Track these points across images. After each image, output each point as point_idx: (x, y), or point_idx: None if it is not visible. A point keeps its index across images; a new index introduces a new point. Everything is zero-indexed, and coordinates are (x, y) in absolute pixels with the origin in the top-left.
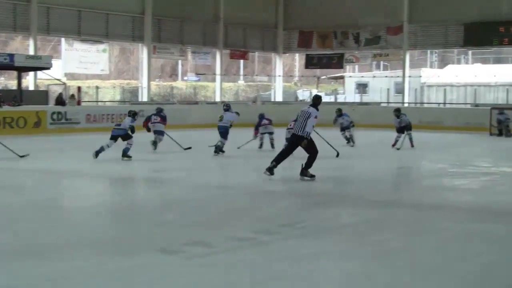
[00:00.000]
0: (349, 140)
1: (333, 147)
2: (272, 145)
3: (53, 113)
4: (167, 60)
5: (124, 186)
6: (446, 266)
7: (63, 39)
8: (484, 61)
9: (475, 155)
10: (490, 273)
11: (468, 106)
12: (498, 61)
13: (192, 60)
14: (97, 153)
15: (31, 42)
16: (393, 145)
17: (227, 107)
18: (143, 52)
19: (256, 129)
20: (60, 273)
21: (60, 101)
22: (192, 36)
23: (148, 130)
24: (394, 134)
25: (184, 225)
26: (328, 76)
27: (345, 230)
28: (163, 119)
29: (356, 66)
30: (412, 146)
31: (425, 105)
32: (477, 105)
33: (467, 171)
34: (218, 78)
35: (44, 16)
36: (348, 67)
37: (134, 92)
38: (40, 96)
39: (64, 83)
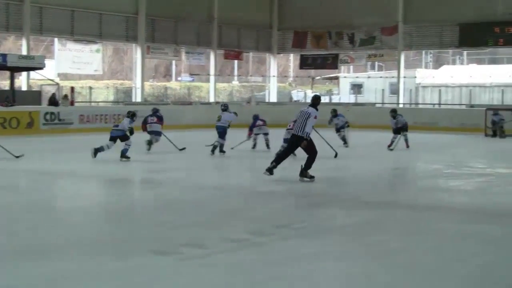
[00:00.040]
0: (346, 141)
1: (332, 148)
2: (268, 146)
3: (46, 113)
4: (161, 60)
5: (119, 187)
6: (443, 267)
7: (56, 39)
8: (479, 61)
9: (470, 156)
10: (486, 274)
11: (463, 107)
12: (493, 61)
13: (186, 61)
14: (95, 152)
15: (24, 42)
16: (389, 146)
17: (225, 107)
18: (136, 52)
19: (250, 130)
20: (57, 273)
21: (53, 101)
22: (186, 36)
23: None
24: (389, 134)
25: (179, 226)
26: (323, 76)
27: (342, 230)
28: (160, 119)
29: (351, 67)
30: (408, 147)
31: (420, 106)
32: (472, 106)
33: (463, 172)
34: (212, 78)
35: (37, 16)
36: (342, 67)
37: (128, 92)
38: (33, 96)
39: (57, 84)
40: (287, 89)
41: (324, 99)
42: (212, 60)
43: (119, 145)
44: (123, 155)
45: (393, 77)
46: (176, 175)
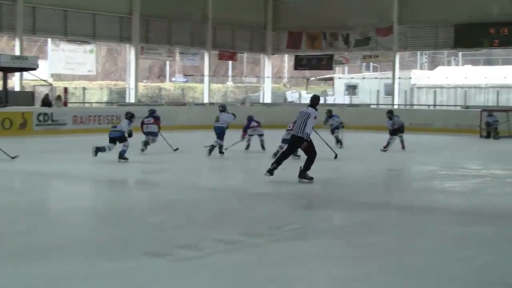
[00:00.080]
0: (340, 141)
1: (332, 149)
2: (263, 147)
3: (39, 114)
4: (155, 61)
5: (115, 188)
6: (438, 269)
7: (49, 40)
8: (474, 62)
9: (465, 157)
10: (482, 275)
11: (458, 108)
12: (488, 62)
13: (180, 61)
14: (97, 151)
15: (17, 43)
16: (385, 147)
17: (222, 108)
18: (130, 53)
19: (245, 131)
20: (53, 275)
21: (46, 102)
22: (180, 36)
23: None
24: (384, 135)
25: (173, 228)
26: (318, 77)
27: (337, 232)
28: (156, 120)
29: (346, 68)
30: (403, 148)
31: (415, 107)
32: (467, 107)
33: (458, 173)
34: (206, 79)
35: (30, 16)
36: (337, 68)
37: (122, 93)
38: (26, 97)
39: (51, 84)
40: (282, 90)
41: (320, 100)
42: (206, 60)
43: (117, 146)
44: (121, 156)
45: (388, 78)
46: (172, 176)
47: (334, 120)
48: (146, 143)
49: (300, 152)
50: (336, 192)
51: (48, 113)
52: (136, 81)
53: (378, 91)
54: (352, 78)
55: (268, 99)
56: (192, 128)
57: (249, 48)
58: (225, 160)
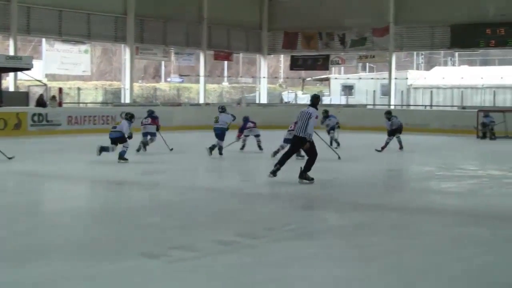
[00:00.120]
0: (336, 141)
1: (334, 151)
2: (260, 147)
3: (34, 114)
4: (150, 61)
5: (111, 189)
6: (436, 269)
7: (44, 40)
8: (471, 63)
9: (462, 158)
10: (478, 276)
11: (455, 109)
12: (484, 63)
13: (175, 61)
14: (101, 150)
15: (11, 43)
16: (383, 148)
17: (222, 109)
18: (125, 53)
19: (241, 132)
20: (48, 276)
21: (41, 102)
22: (175, 37)
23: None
24: (380, 136)
25: (169, 228)
26: (314, 77)
27: (334, 233)
28: (154, 119)
29: (342, 68)
30: (401, 148)
31: (412, 108)
32: (464, 108)
33: (454, 174)
34: (202, 79)
35: (25, 16)
36: (333, 68)
37: (117, 93)
38: (21, 97)
39: (45, 84)
40: (278, 90)
41: None
42: (202, 61)
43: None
44: (121, 157)
45: (384, 78)
46: (169, 177)
47: (331, 120)
48: (145, 144)
49: (303, 152)
50: (334, 192)
51: (42, 114)
52: (131, 81)
53: (374, 91)
54: (348, 78)
55: (264, 99)
56: (187, 128)
57: (244, 48)
58: (223, 160)
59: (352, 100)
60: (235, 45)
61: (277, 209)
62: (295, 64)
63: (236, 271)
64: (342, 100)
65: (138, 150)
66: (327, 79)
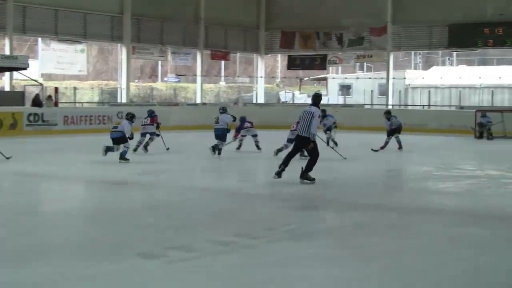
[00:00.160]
0: (333, 141)
1: (337, 152)
2: (258, 147)
3: (30, 114)
4: (146, 60)
5: (109, 189)
6: (433, 270)
7: (39, 39)
8: (469, 62)
9: (460, 158)
10: (476, 277)
11: (453, 109)
12: (483, 62)
13: (172, 61)
14: (107, 150)
15: (7, 42)
16: (382, 148)
17: (223, 110)
18: (122, 53)
19: (238, 132)
20: (40, 277)
21: (37, 102)
22: (172, 36)
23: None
24: (378, 136)
25: (166, 229)
26: (311, 77)
27: (331, 233)
28: (153, 119)
29: (339, 68)
30: (400, 148)
31: (409, 107)
32: (461, 108)
33: (452, 174)
34: (198, 79)
35: (20, 15)
36: (331, 68)
37: (113, 93)
38: (16, 97)
39: (41, 84)
40: (275, 90)
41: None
42: (199, 60)
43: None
44: (122, 157)
45: (382, 78)
46: (167, 177)
47: (328, 120)
48: (145, 146)
49: (307, 152)
50: (333, 192)
51: (38, 113)
52: (128, 81)
53: (372, 91)
54: (346, 78)
55: (261, 99)
56: (184, 128)
57: (242, 48)
58: (221, 160)
59: (350, 100)
60: (232, 45)
61: (276, 209)
62: (293, 63)
63: (235, 271)
64: (340, 100)
65: (135, 150)
66: (325, 79)
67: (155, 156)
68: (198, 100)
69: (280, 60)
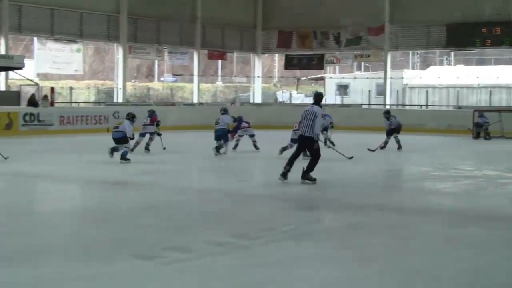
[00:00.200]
0: (330, 141)
1: (341, 153)
2: (256, 147)
3: (26, 114)
4: (143, 60)
5: (106, 189)
6: (430, 271)
7: (35, 38)
8: (467, 62)
9: (458, 158)
10: (474, 278)
11: (451, 108)
12: (480, 62)
13: (168, 61)
14: (112, 151)
15: (2, 41)
16: (382, 148)
17: (224, 111)
18: (118, 52)
19: (235, 132)
20: (40, 277)
21: (32, 102)
22: (168, 36)
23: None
24: (375, 136)
25: (163, 229)
26: (308, 77)
27: (329, 234)
28: (152, 119)
29: (337, 67)
30: (399, 148)
31: (407, 107)
32: (459, 107)
33: (450, 174)
34: (195, 79)
35: (16, 15)
36: (328, 68)
37: (109, 93)
38: (12, 97)
39: (37, 84)
40: (272, 89)
41: (310, 100)
42: (196, 60)
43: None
44: (124, 157)
45: (379, 78)
46: (167, 177)
47: (325, 120)
48: (147, 146)
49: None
50: (328, 193)
51: (34, 113)
52: (124, 80)
53: (369, 91)
54: (343, 78)
55: (258, 99)
56: (181, 128)
57: (239, 47)
58: (218, 160)
59: (347, 100)
60: (229, 44)
61: (276, 210)
62: (290, 63)
63: (234, 272)
64: (337, 100)
65: (132, 150)
66: (322, 79)
67: (155, 156)
68: (195, 100)
69: (277, 60)
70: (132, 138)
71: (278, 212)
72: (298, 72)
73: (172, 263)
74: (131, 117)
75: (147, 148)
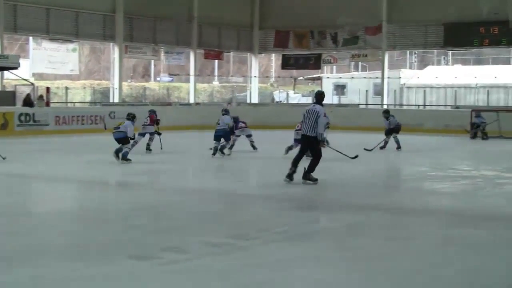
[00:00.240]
0: (326, 141)
1: (343, 153)
2: (254, 147)
3: (21, 114)
4: (139, 60)
5: (105, 189)
6: (427, 272)
7: (31, 38)
8: (464, 62)
9: (456, 158)
10: (472, 279)
11: (448, 108)
12: (478, 62)
13: (165, 60)
14: (117, 152)
15: None
16: (382, 148)
17: (225, 111)
18: (114, 52)
19: (232, 132)
20: (40, 277)
21: (28, 102)
22: (165, 35)
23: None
24: (373, 136)
25: (158, 230)
26: (305, 77)
27: (325, 235)
28: (152, 119)
29: (334, 67)
30: (399, 148)
31: (405, 107)
32: (457, 107)
33: (448, 174)
34: (192, 78)
35: (11, 14)
36: (325, 68)
37: (105, 93)
38: (7, 97)
39: (32, 84)
40: (269, 89)
41: (307, 100)
42: (192, 60)
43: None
44: (124, 157)
45: (377, 77)
46: (155, 178)
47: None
48: (148, 146)
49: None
50: (325, 193)
51: (30, 114)
52: (120, 80)
53: (367, 91)
54: (340, 77)
55: (255, 99)
56: (178, 128)
57: (235, 47)
58: (215, 161)
59: (345, 100)
60: (226, 44)
61: (274, 210)
62: (287, 63)
63: (232, 272)
64: (335, 100)
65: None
66: (319, 78)
67: (154, 156)
68: (192, 100)
69: (274, 60)
70: (133, 139)
71: (277, 212)
72: (295, 72)
73: (171, 263)
74: (131, 117)
75: (148, 148)
